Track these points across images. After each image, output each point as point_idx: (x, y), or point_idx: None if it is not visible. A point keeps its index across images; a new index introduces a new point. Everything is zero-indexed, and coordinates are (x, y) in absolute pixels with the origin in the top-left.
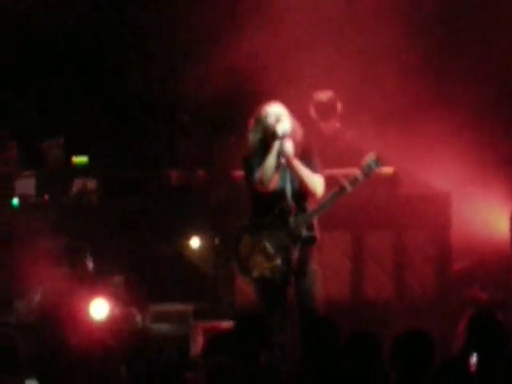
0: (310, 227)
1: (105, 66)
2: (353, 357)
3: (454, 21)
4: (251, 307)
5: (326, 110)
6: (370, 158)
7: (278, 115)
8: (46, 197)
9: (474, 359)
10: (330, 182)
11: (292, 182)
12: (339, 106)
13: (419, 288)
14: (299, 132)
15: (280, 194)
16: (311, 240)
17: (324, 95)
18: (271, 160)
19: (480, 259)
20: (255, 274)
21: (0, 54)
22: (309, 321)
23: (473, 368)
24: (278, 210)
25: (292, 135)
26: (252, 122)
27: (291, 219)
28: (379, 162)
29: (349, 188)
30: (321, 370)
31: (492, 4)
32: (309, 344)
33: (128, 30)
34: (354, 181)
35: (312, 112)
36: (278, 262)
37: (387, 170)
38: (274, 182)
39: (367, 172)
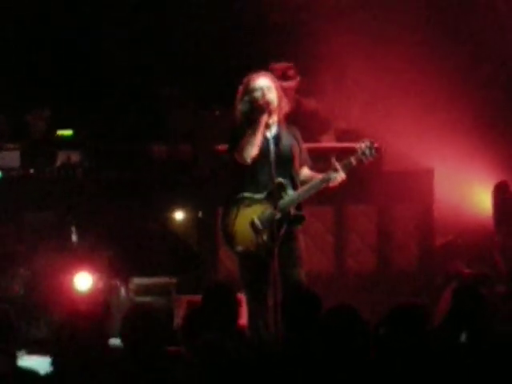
0: (299, 206)
1: (91, 39)
2: (332, 329)
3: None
4: (233, 279)
5: (283, 74)
6: (365, 144)
7: (266, 87)
8: (31, 170)
9: (463, 337)
10: (318, 155)
11: (278, 156)
12: (297, 76)
13: (402, 262)
14: (285, 105)
15: (265, 168)
16: (299, 219)
17: (282, 63)
18: (258, 136)
19: (463, 234)
20: (240, 248)
21: None
22: (292, 293)
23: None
24: (268, 186)
25: (278, 108)
26: (240, 91)
27: (282, 197)
28: (374, 150)
29: (341, 172)
30: (302, 343)
31: None
32: (290, 316)
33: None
34: (346, 165)
35: None
36: (265, 238)
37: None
38: (257, 155)
39: (361, 158)
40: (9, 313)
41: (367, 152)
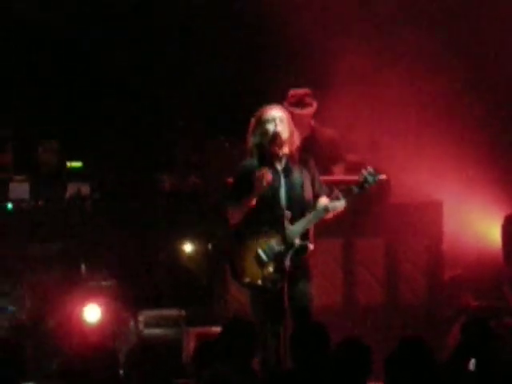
0: (305, 236)
1: (101, 70)
2: (341, 363)
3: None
4: (244, 313)
5: (300, 100)
6: (367, 171)
7: (278, 119)
8: (40, 202)
9: (472, 364)
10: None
11: (288, 189)
12: (315, 103)
13: (411, 296)
14: (297, 138)
15: (273, 201)
16: (303, 250)
17: (300, 90)
18: (246, 205)
19: (472, 267)
20: (247, 280)
21: None
22: (300, 326)
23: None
24: (274, 218)
25: (289, 140)
26: (252, 124)
27: (286, 228)
28: (377, 176)
29: (342, 200)
30: (309, 376)
31: None
32: (299, 349)
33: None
34: (348, 193)
35: (286, 104)
36: (271, 270)
37: (379, 176)
38: (267, 189)
39: (364, 186)
40: (24, 349)
41: (370, 179)
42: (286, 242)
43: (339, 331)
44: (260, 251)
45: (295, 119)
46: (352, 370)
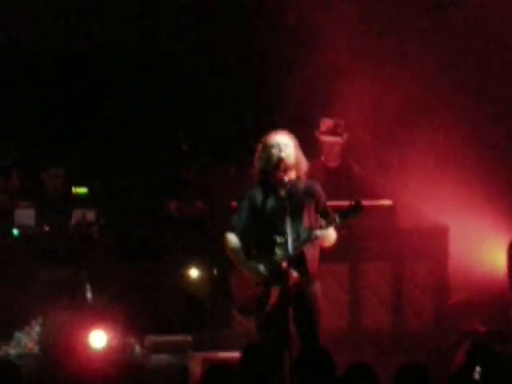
0: (297, 262)
1: (105, 96)
2: None
3: None
4: (249, 338)
5: (331, 129)
6: (352, 204)
7: (283, 144)
8: (46, 227)
9: (477, 373)
10: None
11: (290, 214)
12: (345, 134)
13: (417, 320)
14: (304, 164)
15: (272, 227)
16: (287, 276)
17: (331, 119)
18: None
19: (477, 292)
20: (236, 305)
21: (2, 83)
22: (305, 351)
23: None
24: (267, 243)
25: (296, 167)
26: (259, 149)
27: (275, 254)
28: (360, 210)
29: (325, 229)
30: None
31: None
32: (303, 374)
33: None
34: (330, 222)
35: (317, 133)
36: (258, 295)
37: (385, 202)
38: (270, 215)
39: (347, 217)
40: (19, 370)
41: (352, 212)
42: (272, 267)
43: (344, 356)
44: (249, 274)
45: (325, 147)
46: None
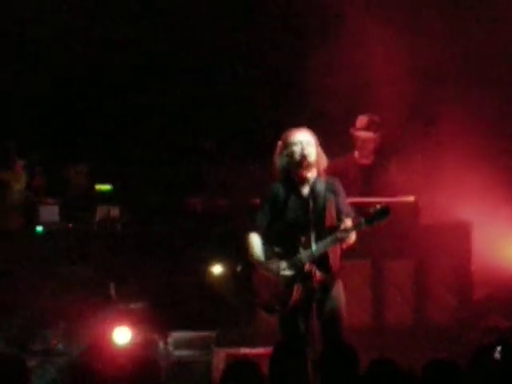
0: (320, 262)
1: (131, 94)
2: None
3: None
4: (272, 334)
5: (365, 125)
6: (378, 208)
7: (305, 142)
8: (70, 224)
9: (498, 352)
10: None
11: (313, 213)
12: (379, 131)
13: (440, 316)
14: (324, 161)
15: (296, 225)
16: (311, 276)
17: (367, 115)
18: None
19: (501, 287)
20: (259, 302)
21: (26, 81)
22: (330, 347)
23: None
24: (291, 242)
25: (316, 164)
26: (279, 146)
27: (299, 252)
28: (387, 214)
29: (350, 231)
30: None
31: None
32: (327, 370)
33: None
34: (357, 225)
35: (352, 129)
36: (279, 293)
37: (408, 198)
38: (294, 213)
39: (373, 222)
40: (26, 367)
41: (379, 216)
42: (296, 266)
43: (368, 352)
44: (270, 273)
45: (359, 143)
46: None
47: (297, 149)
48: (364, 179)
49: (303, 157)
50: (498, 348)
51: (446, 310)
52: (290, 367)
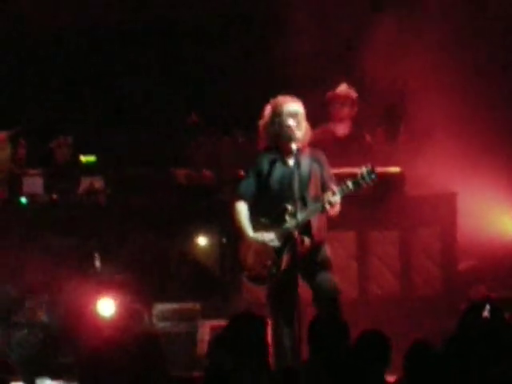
0: (305, 230)
1: (115, 66)
2: (362, 356)
3: None
4: (258, 306)
5: (344, 100)
6: (366, 169)
7: (300, 114)
8: (54, 196)
9: (487, 311)
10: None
11: (298, 183)
12: (355, 107)
13: (425, 286)
14: (309, 133)
15: (282, 195)
16: (301, 243)
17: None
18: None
19: (486, 258)
20: (246, 273)
21: (10, 55)
22: (319, 318)
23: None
24: (277, 211)
25: (303, 137)
26: (269, 110)
27: (286, 221)
28: (373, 175)
29: (338, 195)
30: (328, 370)
31: None
32: (317, 342)
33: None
34: (344, 189)
35: (330, 93)
36: (269, 263)
37: (394, 169)
38: (279, 183)
39: (359, 183)
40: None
41: (366, 177)
42: (284, 235)
43: (353, 323)
44: (260, 244)
45: (338, 104)
46: (372, 362)
47: (292, 122)
48: (341, 151)
49: (295, 129)
50: (487, 306)
51: (431, 281)
52: (249, 337)
